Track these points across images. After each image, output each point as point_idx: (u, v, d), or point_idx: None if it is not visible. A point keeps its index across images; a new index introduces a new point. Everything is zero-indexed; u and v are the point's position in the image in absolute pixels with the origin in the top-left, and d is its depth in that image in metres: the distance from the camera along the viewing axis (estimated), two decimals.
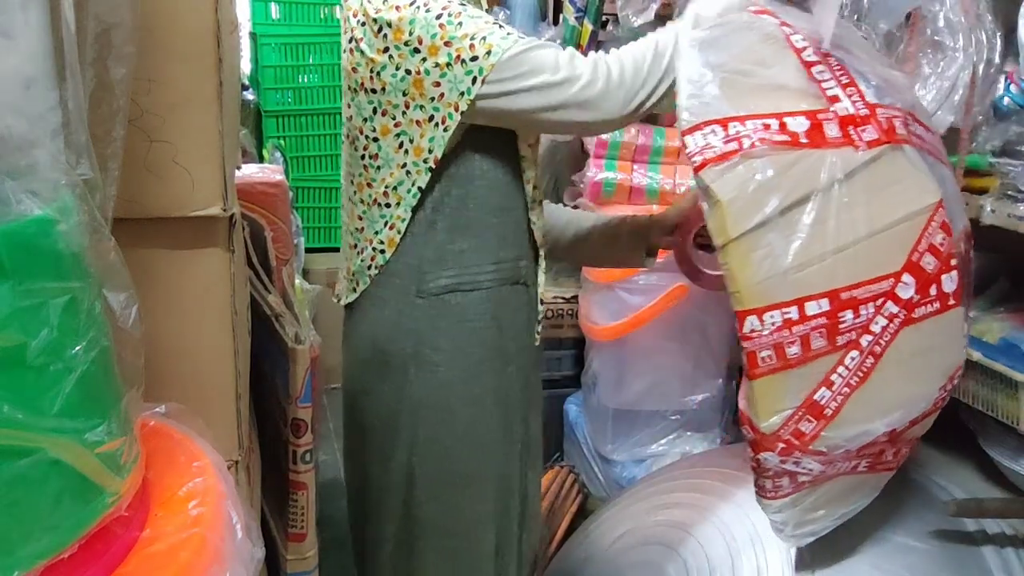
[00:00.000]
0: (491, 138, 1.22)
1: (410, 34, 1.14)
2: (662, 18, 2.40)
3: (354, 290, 1.32)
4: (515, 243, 1.28)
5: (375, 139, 1.23)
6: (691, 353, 2.14)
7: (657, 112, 1.27)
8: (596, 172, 2.18)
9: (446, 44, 1.13)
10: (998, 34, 1.33)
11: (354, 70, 1.21)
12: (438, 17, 1.13)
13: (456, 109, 1.16)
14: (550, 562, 1.97)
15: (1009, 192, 1.29)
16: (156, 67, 0.93)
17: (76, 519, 0.64)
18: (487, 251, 1.25)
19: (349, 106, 1.26)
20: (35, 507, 0.61)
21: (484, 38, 1.13)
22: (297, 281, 2.19)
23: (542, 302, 1.35)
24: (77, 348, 0.63)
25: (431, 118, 1.18)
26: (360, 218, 1.29)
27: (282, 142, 3.24)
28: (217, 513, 0.75)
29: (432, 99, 1.17)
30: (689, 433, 2.20)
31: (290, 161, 3.23)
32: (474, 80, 1.14)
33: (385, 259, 1.26)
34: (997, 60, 1.34)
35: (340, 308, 1.45)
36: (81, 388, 0.63)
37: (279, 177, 1.90)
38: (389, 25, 1.15)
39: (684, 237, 1.45)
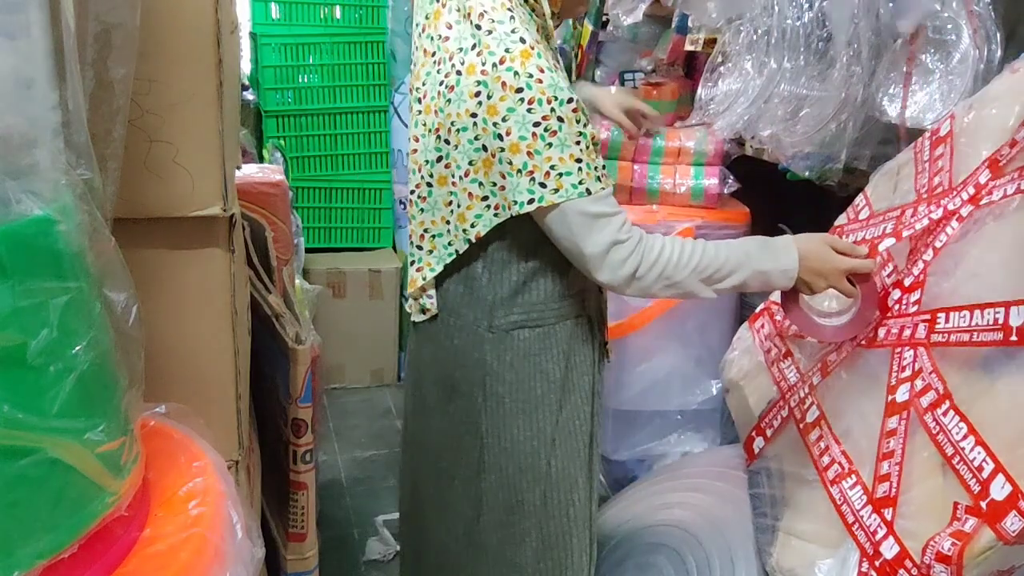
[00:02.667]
0: None
1: (503, 119, 1.11)
2: (651, 18, 2.39)
3: (423, 312, 1.33)
4: (579, 278, 1.28)
5: (429, 184, 1.24)
6: (691, 353, 2.14)
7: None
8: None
9: (528, 154, 1.11)
10: (998, 33, 1.33)
11: (436, 113, 1.20)
12: (536, 124, 1.11)
13: (508, 208, 1.16)
14: None
15: None
16: (156, 67, 0.93)
17: (76, 519, 0.64)
18: (555, 289, 1.27)
19: (418, 140, 1.25)
20: (35, 507, 0.61)
21: (561, 174, 1.12)
22: (297, 281, 2.19)
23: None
24: (77, 348, 0.63)
25: (485, 198, 1.18)
26: (422, 236, 1.30)
27: (282, 142, 3.23)
28: (217, 513, 0.75)
29: (494, 184, 1.16)
30: (689, 433, 2.20)
31: (290, 161, 3.23)
32: (531, 202, 1.13)
33: (433, 292, 1.28)
34: (998, 58, 1.34)
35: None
36: (81, 388, 0.63)
37: (279, 177, 1.90)
38: (489, 97, 1.12)
39: None
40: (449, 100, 1.16)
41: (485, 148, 1.15)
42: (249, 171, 1.91)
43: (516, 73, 1.10)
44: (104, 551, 0.67)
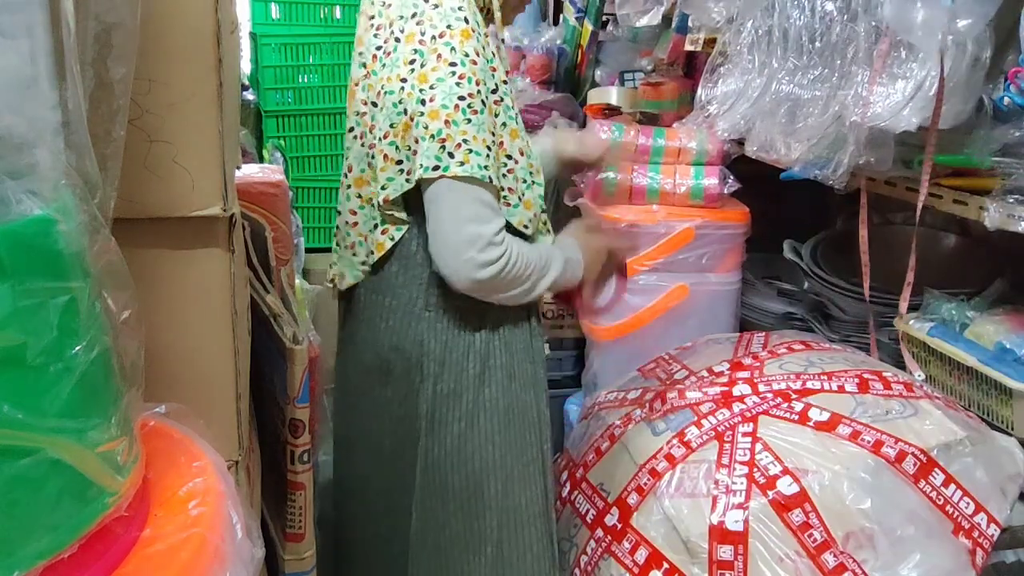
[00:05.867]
0: None
1: (430, 87, 1.13)
2: (669, 20, 2.39)
3: (330, 283, 1.40)
4: None
5: (353, 141, 1.29)
6: None
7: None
8: (596, 172, 2.17)
9: (446, 122, 1.12)
10: (989, 33, 1.32)
11: (370, 75, 1.22)
12: (461, 98, 1.12)
13: (411, 174, 1.18)
14: None
15: (1013, 194, 1.28)
16: (156, 67, 0.93)
17: (76, 519, 0.64)
18: None
19: (365, 103, 1.26)
20: (35, 507, 0.61)
21: (472, 151, 1.12)
22: (297, 281, 2.19)
23: (545, 316, 1.39)
24: (77, 348, 0.63)
25: (399, 162, 1.19)
26: (353, 212, 1.34)
27: (282, 142, 3.23)
28: (217, 513, 0.75)
29: (408, 148, 1.17)
30: None
31: (290, 161, 3.23)
32: (436, 168, 1.13)
33: (374, 261, 1.29)
34: (987, 59, 1.32)
35: (341, 308, 1.45)
36: (81, 388, 0.63)
37: (279, 177, 1.90)
38: (422, 66, 1.13)
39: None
40: (384, 64, 1.19)
41: (406, 112, 1.15)
42: (249, 171, 1.91)
43: (453, 48, 1.13)
44: (104, 551, 0.67)
